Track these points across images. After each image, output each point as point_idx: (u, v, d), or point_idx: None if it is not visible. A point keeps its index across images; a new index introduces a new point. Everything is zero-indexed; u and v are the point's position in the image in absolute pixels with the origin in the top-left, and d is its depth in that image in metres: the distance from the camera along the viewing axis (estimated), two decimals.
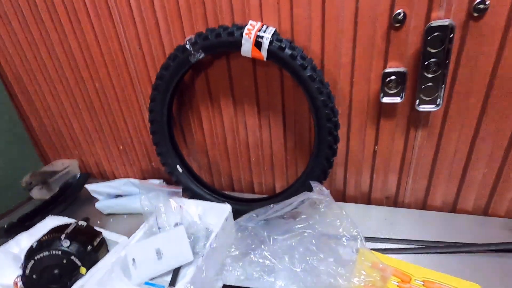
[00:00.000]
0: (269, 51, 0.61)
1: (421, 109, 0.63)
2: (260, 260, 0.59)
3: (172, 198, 0.71)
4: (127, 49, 0.80)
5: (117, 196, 0.89)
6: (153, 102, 0.74)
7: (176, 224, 0.67)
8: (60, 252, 0.54)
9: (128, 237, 0.66)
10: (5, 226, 0.75)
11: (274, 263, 0.59)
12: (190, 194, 0.80)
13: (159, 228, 0.67)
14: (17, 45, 0.91)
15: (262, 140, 0.81)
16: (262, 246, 0.61)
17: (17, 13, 0.86)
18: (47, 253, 0.54)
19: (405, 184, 0.75)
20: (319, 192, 0.58)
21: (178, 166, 0.78)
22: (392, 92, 0.64)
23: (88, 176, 0.99)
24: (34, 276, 0.54)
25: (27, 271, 0.54)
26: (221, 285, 0.57)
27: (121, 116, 0.92)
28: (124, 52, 0.80)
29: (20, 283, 0.55)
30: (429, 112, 0.64)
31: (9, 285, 0.58)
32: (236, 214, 0.69)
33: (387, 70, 0.63)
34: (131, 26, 0.76)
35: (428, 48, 0.58)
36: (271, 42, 0.60)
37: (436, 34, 0.56)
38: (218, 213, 0.69)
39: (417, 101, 0.63)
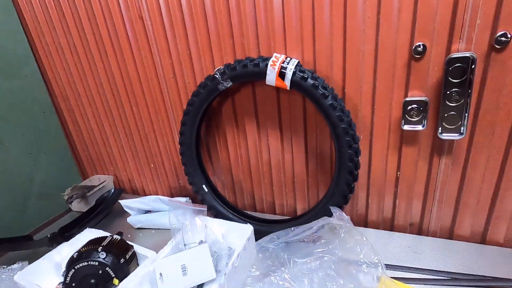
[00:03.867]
0: (292, 81, 0.65)
1: (444, 137, 0.63)
2: (280, 282, 0.60)
3: (198, 216, 0.76)
4: (162, 76, 0.88)
5: (147, 211, 0.94)
6: (184, 126, 0.80)
7: (201, 242, 0.71)
8: (97, 263, 0.60)
9: (156, 252, 0.70)
10: (49, 235, 0.82)
11: (293, 286, 0.60)
12: (214, 212, 0.84)
13: (185, 244, 0.71)
14: (67, 71, 1.03)
15: (284, 163, 0.84)
16: (282, 268, 0.62)
17: (70, 45, 0.98)
18: (85, 263, 0.60)
19: (430, 211, 0.74)
20: (339, 217, 0.60)
21: (204, 186, 0.83)
22: (413, 120, 0.65)
23: (121, 191, 1.06)
24: (74, 284, 0.60)
25: (68, 279, 0.59)
26: None
27: (154, 137, 1.00)
28: (160, 79, 0.88)
29: None
30: (453, 140, 0.64)
31: None
32: (257, 234, 0.71)
33: (408, 98, 0.64)
34: (166, 57, 0.84)
35: (450, 78, 0.59)
36: (294, 73, 0.64)
37: (457, 65, 0.57)
38: (240, 233, 0.72)
39: (440, 129, 0.63)
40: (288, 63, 0.65)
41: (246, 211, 0.87)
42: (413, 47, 0.60)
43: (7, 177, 0.96)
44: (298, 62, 0.66)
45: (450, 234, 0.74)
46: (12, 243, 0.80)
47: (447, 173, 0.68)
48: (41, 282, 0.66)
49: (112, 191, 1.06)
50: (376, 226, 0.81)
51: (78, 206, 1.05)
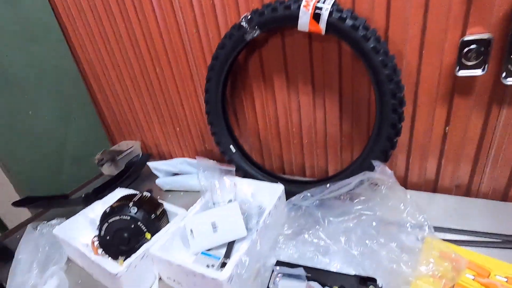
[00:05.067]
0: (328, 23, 0.58)
1: (509, 83, 0.54)
2: (315, 240, 0.58)
3: (226, 176, 0.73)
4: (185, 32, 0.83)
5: (174, 174, 0.94)
6: (209, 83, 0.76)
7: (230, 201, 0.69)
8: (128, 218, 0.60)
9: (186, 210, 0.70)
10: (83, 196, 0.85)
11: (329, 243, 0.57)
12: (242, 173, 0.81)
13: (214, 203, 0.69)
14: (90, 36, 1.01)
15: (316, 121, 0.78)
16: (317, 227, 0.59)
17: (92, 8, 0.94)
18: (118, 217, 0.60)
19: (482, 171, 0.66)
20: (382, 172, 0.54)
21: (231, 146, 0.80)
22: (471, 63, 0.56)
23: (149, 156, 1.07)
24: (108, 237, 0.60)
25: (102, 232, 0.60)
26: (274, 261, 0.57)
27: (178, 99, 0.97)
28: (182, 34, 0.83)
29: (96, 242, 0.62)
30: None
31: (87, 243, 0.66)
32: (288, 195, 0.68)
33: (467, 38, 0.55)
34: (188, 10, 0.79)
35: None
36: (330, 14, 0.57)
37: None
38: (270, 192, 0.69)
39: (504, 73, 0.54)
40: (323, 2, 0.57)
41: (275, 173, 0.83)
42: None
43: (42, 142, 0.99)
44: (335, 0, 0.58)
45: (504, 196, 0.67)
46: (50, 200, 0.83)
47: (507, 127, 0.60)
48: (78, 235, 0.68)
49: (141, 155, 1.06)
50: (417, 188, 0.75)
51: (109, 170, 1.07)
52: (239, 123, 0.90)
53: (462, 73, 0.57)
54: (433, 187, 0.73)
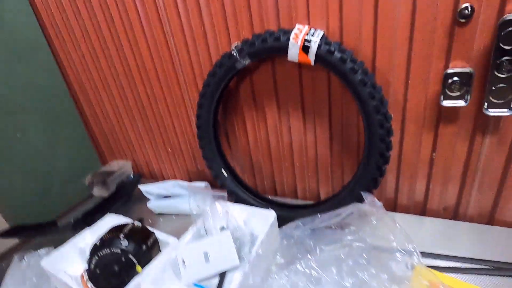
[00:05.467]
0: (317, 55, 0.59)
1: (491, 113, 0.56)
2: (307, 270, 0.58)
3: (218, 201, 0.73)
4: (176, 57, 0.83)
5: (166, 196, 0.93)
6: (200, 109, 0.76)
7: (222, 228, 0.69)
8: (119, 251, 0.59)
9: (178, 238, 0.69)
10: (72, 221, 0.83)
11: (321, 274, 0.57)
12: (234, 198, 0.82)
13: (205, 231, 0.69)
14: (81, 56, 1.00)
15: (306, 145, 0.79)
16: (309, 256, 0.59)
17: (81, 29, 0.94)
18: (108, 250, 0.59)
19: (468, 195, 0.68)
20: (371, 203, 0.55)
21: (223, 170, 0.80)
22: (454, 94, 0.58)
23: (140, 176, 1.06)
24: (98, 271, 0.59)
25: (92, 266, 0.59)
26: None
27: (170, 120, 0.97)
28: (174, 60, 0.84)
29: (86, 276, 0.60)
30: (500, 116, 0.57)
31: (76, 276, 0.65)
32: (280, 219, 0.68)
33: (450, 70, 0.57)
34: (179, 35, 0.79)
35: (501, 45, 0.51)
36: (319, 46, 0.58)
37: (511, 29, 0.49)
38: (262, 219, 0.69)
39: (486, 104, 0.56)
40: (312, 35, 0.59)
41: (267, 196, 0.84)
42: (458, 10, 0.52)
43: (30, 165, 0.97)
44: (324, 33, 0.60)
45: (490, 220, 0.68)
46: (37, 229, 0.81)
47: (491, 154, 0.62)
48: (67, 268, 0.66)
49: (132, 176, 1.05)
50: (406, 210, 0.76)
51: (99, 192, 1.05)
52: (231, 145, 0.91)
53: (446, 103, 0.59)
54: (422, 209, 0.75)
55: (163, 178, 1.13)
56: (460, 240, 0.65)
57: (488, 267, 0.58)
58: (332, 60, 0.58)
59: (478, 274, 0.57)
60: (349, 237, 0.58)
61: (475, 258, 0.60)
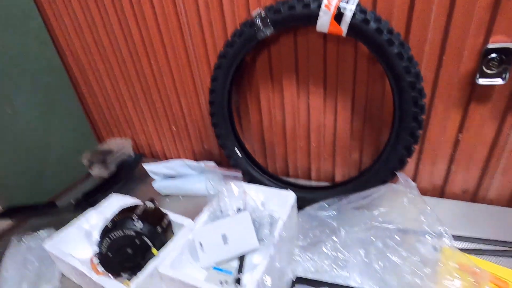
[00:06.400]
0: (350, 25, 0.54)
1: None
2: (333, 253, 0.56)
3: (232, 182, 0.70)
4: (186, 26, 0.76)
5: (171, 176, 0.89)
6: (215, 82, 0.70)
7: (239, 209, 0.66)
8: (133, 233, 0.55)
9: (192, 219, 0.65)
10: (73, 201, 0.78)
11: (348, 257, 0.55)
12: (247, 178, 0.78)
13: (221, 212, 0.66)
14: (76, 26, 0.91)
15: (325, 124, 0.75)
16: (333, 238, 0.57)
17: None
18: (121, 233, 0.55)
19: (491, 177, 0.66)
20: (406, 184, 0.53)
21: (236, 149, 0.76)
22: (492, 72, 0.55)
23: (142, 156, 1.00)
24: (110, 254, 0.55)
25: (103, 249, 0.55)
26: (291, 275, 0.54)
27: (176, 96, 0.90)
28: (183, 28, 0.77)
29: (96, 260, 0.56)
30: None
31: (83, 259, 0.60)
32: (298, 201, 0.66)
33: (490, 46, 0.54)
34: (191, 1, 0.72)
35: None
36: (354, 15, 0.53)
37: None
38: (281, 200, 0.66)
39: None
40: (347, 2, 0.54)
41: (282, 177, 0.80)
42: None
43: (22, 143, 0.90)
44: (358, 1, 0.55)
45: (510, 202, 0.68)
46: (35, 210, 0.75)
47: None
48: (73, 250, 0.62)
49: (133, 156, 1.00)
50: (424, 192, 0.74)
51: (98, 172, 0.99)
52: (242, 123, 0.86)
53: (483, 81, 0.56)
54: (441, 191, 0.73)
55: (165, 158, 1.08)
56: (482, 222, 0.64)
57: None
58: (367, 31, 0.53)
59: (502, 256, 0.57)
60: (377, 218, 0.56)
61: (498, 240, 0.59)
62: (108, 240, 0.55)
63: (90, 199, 0.82)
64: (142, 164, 0.88)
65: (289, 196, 0.65)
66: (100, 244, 0.55)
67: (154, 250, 0.56)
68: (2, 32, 0.84)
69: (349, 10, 0.53)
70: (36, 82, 0.93)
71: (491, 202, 0.69)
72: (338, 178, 0.82)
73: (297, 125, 0.79)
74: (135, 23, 0.82)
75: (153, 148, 1.08)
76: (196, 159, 1.01)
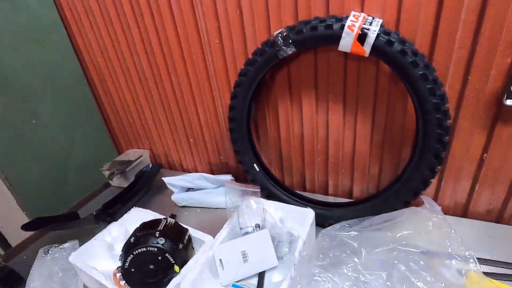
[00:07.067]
0: (374, 46, 0.54)
1: None
2: (354, 274, 0.55)
3: (252, 197, 0.70)
4: (207, 42, 0.77)
5: (189, 189, 0.90)
6: (235, 99, 0.71)
7: (257, 226, 0.66)
8: (156, 249, 0.56)
9: (205, 232, 0.66)
10: (94, 213, 0.80)
11: (369, 279, 0.54)
12: (266, 193, 0.78)
13: (241, 228, 0.66)
14: (99, 39, 0.94)
15: (344, 140, 0.75)
16: (355, 259, 0.56)
17: (101, 8, 0.88)
18: (144, 249, 0.56)
19: None
20: (431, 208, 0.52)
21: (255, 165, 0.76)
22: None
23: (160, 166, 1.02)
24: (132, 270, 0.56)
25: (126, 264, 0.56)
26: None
27: (194, 110, 0.92)
28: (203, 45, 0.78)
29: (119, 275, 0.57)
30: None
31: (105, 271, 0.62)
32: (316, 217, 0.65)
33: None
34: (212, 18, 0.73)
35: None
36: (377, 36, 0.53)
37: None
38: (300, 217, 0.66)
39: None
40: (370, 24, 0.54)
41: (300, 192, 0.80)
42: None
43: (46, 152, 0.93)
44: (382, 22, 0.54)
45: None
46: (59, 222, 0.78)
47: None
48: (96, 264, 0.63)
49: (150, 166, 1.01)
50: (446, 211, 0.73)
51: (117, 182, 1.02)
52: (259, 137, 0.86)
53: (511, 102, 0.55)
54: (464, 211, 0.72)
55: (182, 169, 1.09)
56: (508, 245, 0.62)
57: None
58: (390, 52, 0.53)
59: None
60: (399, 240, 0.55)
61: None
62: (131, 256, 0.56)
63: (110, 210, 0.84)
64: (162, 178, 0.89)
65: (309, 214, 0.65)
66: (123, 259, 0.57)
67: (176, 267, 0.56)
68: (28, 45, 0.87)
69: (373, 31, 0.53)
70: (59, 94, 0.96)
71: None
72: (356, 194, 0.81)
73: (315, 140, 0.79)
74: (156, 37, 0.84)
75: (170, 159, 1.10)
76: (212, 171, 1.03)
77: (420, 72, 0.53)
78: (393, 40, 0.53)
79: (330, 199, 0.82)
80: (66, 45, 0.98)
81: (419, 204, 0.61)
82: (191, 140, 0.99)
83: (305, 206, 0.68)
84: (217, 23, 0.73)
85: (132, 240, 0.58)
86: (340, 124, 0.73)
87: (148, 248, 0.56)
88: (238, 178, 0.94)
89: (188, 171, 1.08)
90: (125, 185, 0.97)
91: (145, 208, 0.76)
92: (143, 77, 0.94)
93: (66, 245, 0.71)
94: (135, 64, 0.93)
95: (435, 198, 0.73)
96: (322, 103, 0.73)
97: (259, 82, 0.69)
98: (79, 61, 1.02)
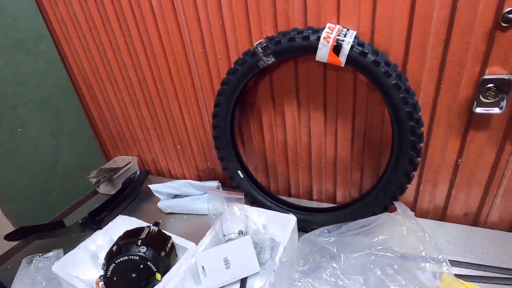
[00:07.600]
0: (349, 56, 0.56)
1: None
2: (332, 279, 0.56)
3: (235, 204, 0.71)
4: (191, 51, 0.79)
5: (176, 195, 0.91)
6: (218, 107, 0.73)
7: (241, 232, 0.67)
8: (138, 258, 0.56)
9: (190, 238, 0.66)
10: (80, 221, 0.80)
11: (347, 283, 0.56)
12: (250, 199, 0.79)
13: (224, 235, 0.67)
14: (85, 46, 0.95)
15: (326, 146, 0.77)
16: (334, 264, 0.58)
17: (86, 16, 0.89)
18: (126, 257, 0.56)
19: (491, 202, 0.67)
20: (404, 213, 0.53)
21: (239, 172, 0.77)
22: (489, 101, 0.56)
23: (148, 173, 1.02)
24: (115, 278, 0.57)
25: (109, 273, 0.57)
26: None
27: (181, 117, 0.93)
28: (188, 54, 0.80)
29: (101, 283, 0.58)
30: None
31: (88, 280, 0.62)
32: (299, 223, 0.67)
33: (486, 76, 0.55)
34: (195, 28, 0.75)
35: None
36: (351, 47, 0.55)
37: None
38: (282, 223, 0.67)
39: None
40: (345, 35, 0.55)
41: (283, 198, 0.82)
42: (502, 13, 0.50)
43: (32, 159, 0.93)
44: (356, 34, 0.56)
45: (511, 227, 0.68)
46: (44, 230, 0.78)
47: None
48: (79, 273, 0.64)
49: (138, 173, 1.02)
50: (425, 215, 0.75)
51: (104, 189, 1.02)
52: (245, 144, 0.88)
53: (480, 110, 0.57)
54: (442, 214, 0.74)
55: (170, 175, 1.10)
56: (482, 248, 0.64)
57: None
58: (364, 63, 0.55)
59: (502, 283, 0.57)
60: (375, 245, 0.57)
61: (499, 267, 0.59)
62: (113, 264, 0.56)
63: (96, 218, 0.84)
64: (148, 185, 0.90)
65: (291, 220, 0.67)
66: (106, 268, 0.57)
67: (158, 275, 0.57)
68: (14, 53, 0.88)
69: (347, 42, 0.55)
70: (45, 102, 0.97)
71: (492, 226, 0.69)
72: (340, 199, 0.83)
73: (298, 147, 0.80)
74: (141, 46, 0.85)
75: (158, 165, 1.11)
76: (200, 177, 1.04)
77: (393, 82, 0.55)
78: (367, 51, 0.55)
79: (314, 204, 0.83)
80: (52, 53, 0.99)
81: (395, 209, 0.63)
82: (178, 147, 1.00)
83: (288, 212, 0.69)
84: (200, 33, 0.75)
85: (114, 248, 0.58)
86: (321, 131, 0.75)
87: (130, 256, 0.56)
88: (224, 184, 0.95)
89: (176, 177, 1.09)
90: (113, 192, 0.97)
91: (132, 215, 0.76)
92: (130, 85, 0.95)
93: (50, 254, 0.71)
94: (121, 73, 0.94)
95: (414, 203, 0.75)
96: (304, 111, 0.75)
97: (242, 90, 0.71)
98: (65, 69, 1.02)
